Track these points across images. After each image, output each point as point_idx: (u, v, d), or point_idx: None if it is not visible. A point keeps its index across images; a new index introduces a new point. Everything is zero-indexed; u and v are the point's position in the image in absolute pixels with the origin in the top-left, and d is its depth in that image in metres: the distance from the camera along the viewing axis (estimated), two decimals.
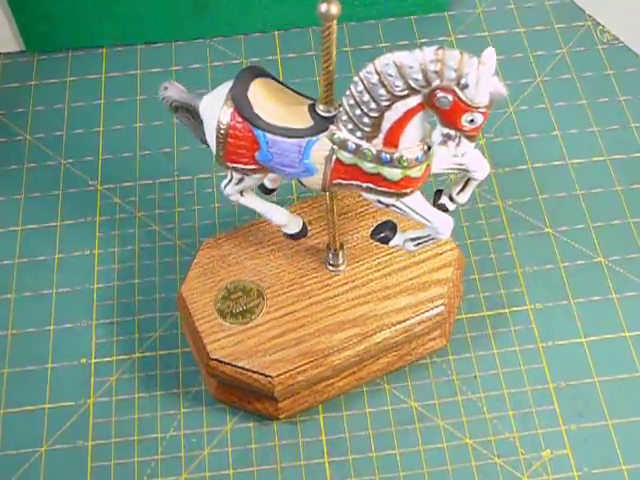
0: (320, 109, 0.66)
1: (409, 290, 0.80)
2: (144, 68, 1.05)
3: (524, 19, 1.08)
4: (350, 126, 0.64)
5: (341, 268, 0.81)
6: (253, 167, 0.70)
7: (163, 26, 1.06)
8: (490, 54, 0.58)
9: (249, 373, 0.76)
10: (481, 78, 0.57)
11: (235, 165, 0.70)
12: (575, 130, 0.98)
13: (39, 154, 0.98)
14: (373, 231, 0.75)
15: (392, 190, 0.67)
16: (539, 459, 0.79)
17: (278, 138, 0.67)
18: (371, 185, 0.67)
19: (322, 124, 0.66)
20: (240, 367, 0.76)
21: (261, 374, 0.76)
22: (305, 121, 0.66)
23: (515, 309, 0.87)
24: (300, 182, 0.70)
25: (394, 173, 0.66)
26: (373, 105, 0.62)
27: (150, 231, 0.93)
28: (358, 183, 0.67)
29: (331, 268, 0.81)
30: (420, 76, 0.59)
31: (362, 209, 0.84)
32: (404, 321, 0.79)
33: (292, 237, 0.79)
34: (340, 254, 0.80)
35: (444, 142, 0.62)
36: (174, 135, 0.99)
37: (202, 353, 0.78)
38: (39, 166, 0.98)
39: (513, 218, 0.93)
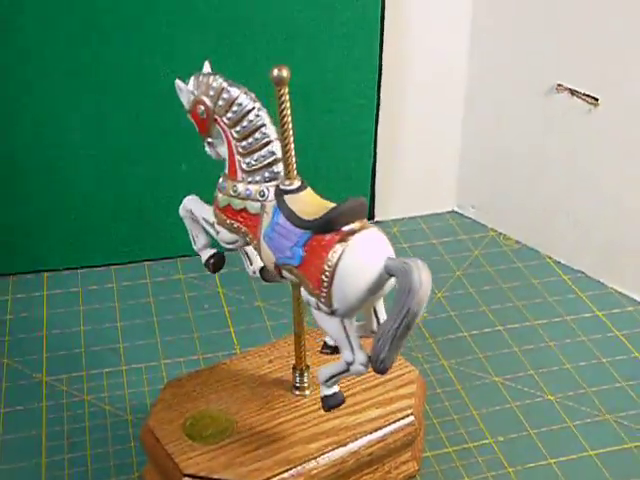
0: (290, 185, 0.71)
1: (377, 404, 0.80)
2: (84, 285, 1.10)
3: (435, 234, 1.20)
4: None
5: (307, 392, 0.81)
6: None
7: (99, 250, 1.13)
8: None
9: None
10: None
11: None
12: (496, 305, 1.06)
13: None
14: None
15: None
16: None
17: None
18: None
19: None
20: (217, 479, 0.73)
21: None
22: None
23: (477, 443, 0.87)
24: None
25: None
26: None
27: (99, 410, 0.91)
28: None
29: (297, 392, 0.81)
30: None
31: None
32: (377, 429, 0.78)
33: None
34: (306, 375, 0.81)
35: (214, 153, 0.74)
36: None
37: (173, 475, 0.74)
38: None
39: (459, 373, 0.96)
